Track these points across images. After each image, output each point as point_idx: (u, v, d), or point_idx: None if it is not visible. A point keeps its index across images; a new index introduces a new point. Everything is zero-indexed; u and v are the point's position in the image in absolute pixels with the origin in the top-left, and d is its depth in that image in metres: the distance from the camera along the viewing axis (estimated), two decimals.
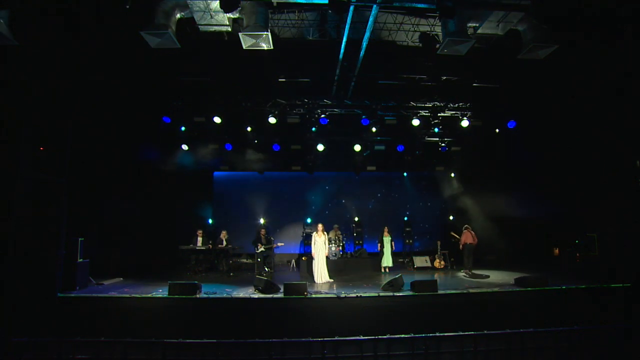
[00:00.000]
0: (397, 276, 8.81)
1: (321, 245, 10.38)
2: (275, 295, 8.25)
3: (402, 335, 7.08)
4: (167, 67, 9.98)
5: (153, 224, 12.46)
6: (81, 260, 8.97)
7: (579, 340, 7.24)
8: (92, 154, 10.10)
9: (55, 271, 8.16)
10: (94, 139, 10.07)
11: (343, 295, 8.03)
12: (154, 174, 12.64)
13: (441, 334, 7.13)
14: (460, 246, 12.27)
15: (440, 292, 8.37)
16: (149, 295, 8.18)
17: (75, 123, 9.07)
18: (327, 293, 8.38)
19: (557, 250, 13.56)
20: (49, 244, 8.19)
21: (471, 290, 8.56)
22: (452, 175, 16.35)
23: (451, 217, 15.65)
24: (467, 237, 12.09)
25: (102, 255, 10.52)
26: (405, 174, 16.13)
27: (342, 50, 9.05)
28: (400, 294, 8.36)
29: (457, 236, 12.67)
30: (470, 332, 7.19)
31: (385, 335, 7.18)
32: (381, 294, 8.27)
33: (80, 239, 8.95)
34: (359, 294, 8.17)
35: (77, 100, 9.08)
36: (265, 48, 7.98)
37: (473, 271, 11.49)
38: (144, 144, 12.13)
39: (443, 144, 14.05)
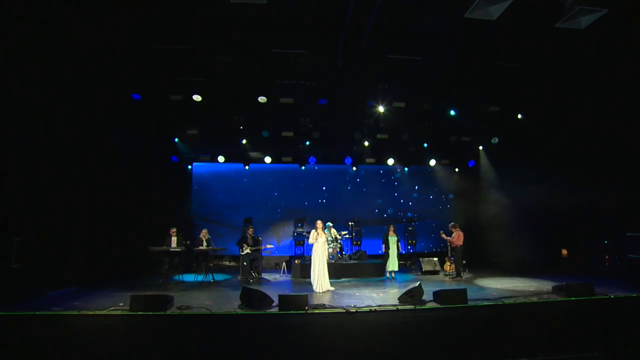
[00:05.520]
0: (416, 285, 7.26)
1: (321, 247, 8.64)
2: (267, 311, 6.56)
3: None
4: (135, 31, 8.13)
5: (119, 221, 10.51)
6: (18, 265, 7.04)
7: None
8: (42, 136, 8.12)
9: None
10: (43, 118, 8.12)
11: (354, 310, 6.40)
12: (120, 163, 10.70)
13: None
14: (452, 247, 10.73)
15: (470, 303, 6.86)
16: (104, 311, 6.34)
17: (16, 97, 7.16)
18: (332, 307, 6.71)
19: (565, 252, 12.41)
20: None
21: (506, 302, 7.07)
22: (457, 169, 15.20)
23: (457, 220, 14.25)
24: (460, 238, 10.64)
25: (54, 260, 8.55)
26: (408, 167, 14.68)
27: (348, 14, 7.44)
28: (424, 306, 6.79)
29: (448, 237, 10.86)
30: None
31: None
32: (400, 307, 6.68)
33: (16, 238, 7.00)
34: (372, 308, 6.57)
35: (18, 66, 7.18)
36: (258, 2, 6.56)
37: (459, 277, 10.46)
38: (107, 126, 10.11)
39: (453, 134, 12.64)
